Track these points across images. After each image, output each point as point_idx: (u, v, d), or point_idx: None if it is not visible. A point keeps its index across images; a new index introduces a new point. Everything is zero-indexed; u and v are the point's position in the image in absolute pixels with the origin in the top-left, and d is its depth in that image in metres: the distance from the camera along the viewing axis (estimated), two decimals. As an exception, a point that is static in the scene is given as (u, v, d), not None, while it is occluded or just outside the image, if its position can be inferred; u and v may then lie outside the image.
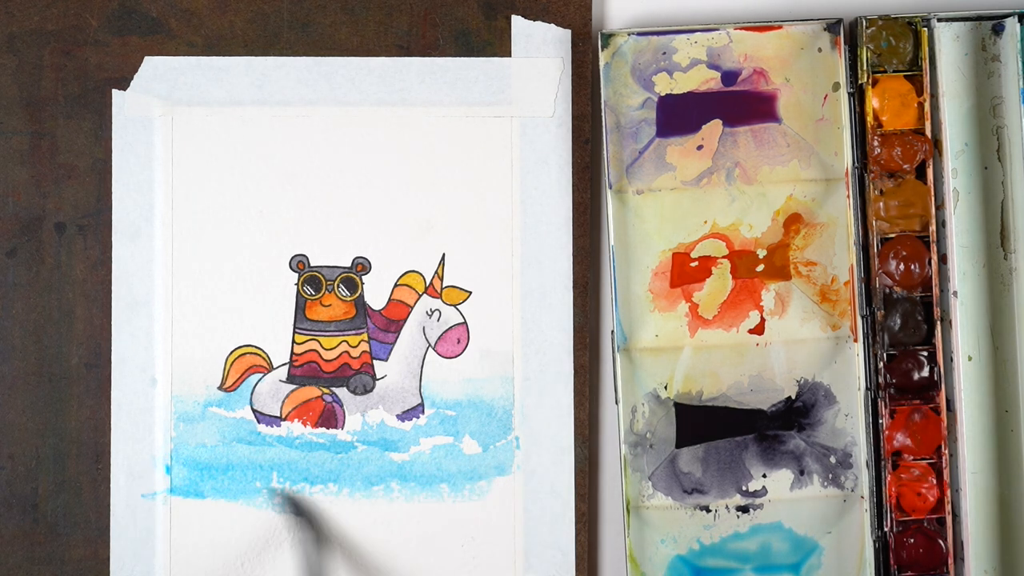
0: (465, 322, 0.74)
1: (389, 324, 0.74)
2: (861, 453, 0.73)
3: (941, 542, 0.72)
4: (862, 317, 0.72)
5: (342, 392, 0.74)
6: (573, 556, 0.74)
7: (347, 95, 0.74)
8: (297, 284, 0.74)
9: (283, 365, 0.74)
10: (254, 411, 0.74)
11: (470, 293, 0.74)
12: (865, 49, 0.71)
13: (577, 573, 0.74)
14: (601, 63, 0.72)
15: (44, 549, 0.73)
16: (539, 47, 0.74)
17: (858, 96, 0.72)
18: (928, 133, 0.71)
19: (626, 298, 0.73)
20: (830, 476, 0.73)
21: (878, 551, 0.72)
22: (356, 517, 0.74)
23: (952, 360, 0.72)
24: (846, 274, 0.73)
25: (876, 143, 0.71)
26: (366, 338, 0.74)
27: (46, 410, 0.73)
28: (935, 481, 0.71)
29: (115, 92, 0.73)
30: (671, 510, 0.73)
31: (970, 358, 0.72)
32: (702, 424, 0.73)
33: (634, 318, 0.73)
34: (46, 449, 0.73)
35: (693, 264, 0.73)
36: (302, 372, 0.74)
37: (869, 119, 0.71)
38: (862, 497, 0.73)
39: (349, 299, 0.74)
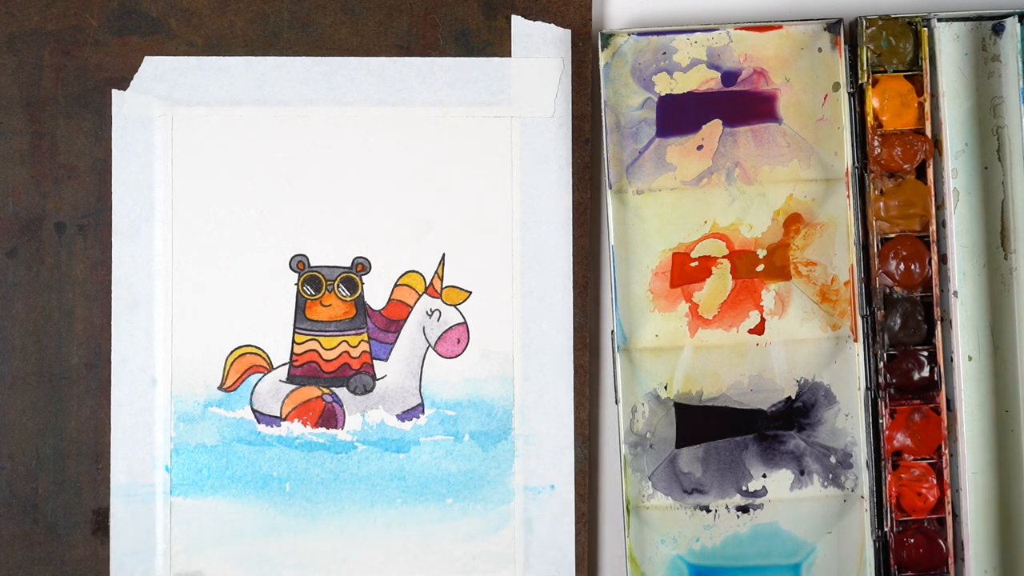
0: (465, 322, 0.74)
1: (389, 324, 0.74)
2: (861, 453, 0.73)
3: (941, 542, 0.72)
4: (862, 317, 0.72)
5: (342, 392, 0.74)
6: (573, 556, 0.74)
7: (347, 95, 0.74)
8: (297, 284, 0.74)
9: (283, 365, 0.74)
10: (254, 411, 0.74)
11: (470, 293, 0.74)
12: (865, 49, 0.71)
13: (577, 573, 0.74)
14: (601, 63, 0.72)
15: (44, 549, 0.73)
16: (539, 47, 0.74)
17: (858, 96, 0.72)
18: (928, 133, 0.71)
19: (626, 298, 0.73)
20: (830, 476, 0.73)
21: (878, 551, 0.72)
22: (356, 517, 0.74)
23: (952, 360, 0.72)
24: (846, 274, 0.73)
25: (876, 143, 0.71)
26: (366, 338, 0.74)
27: (46, 410, 0.73)
28: (935, 481, 0.71)
29: (115, 92, 0.73)
30: (671, 510, 0.73)
31: (970, 358, 0.72)
32: (702, 424, 0.73)
33: (634, 318, 0.73)
34: (46, 449, 0.73)
35: (693, 264, 0.73)
36: (302, 372, 0.74)
37: (869, 119, 0.71)
38: (862, 497, 0.73)
39: (349, 299, 0.74)
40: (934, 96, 0.72)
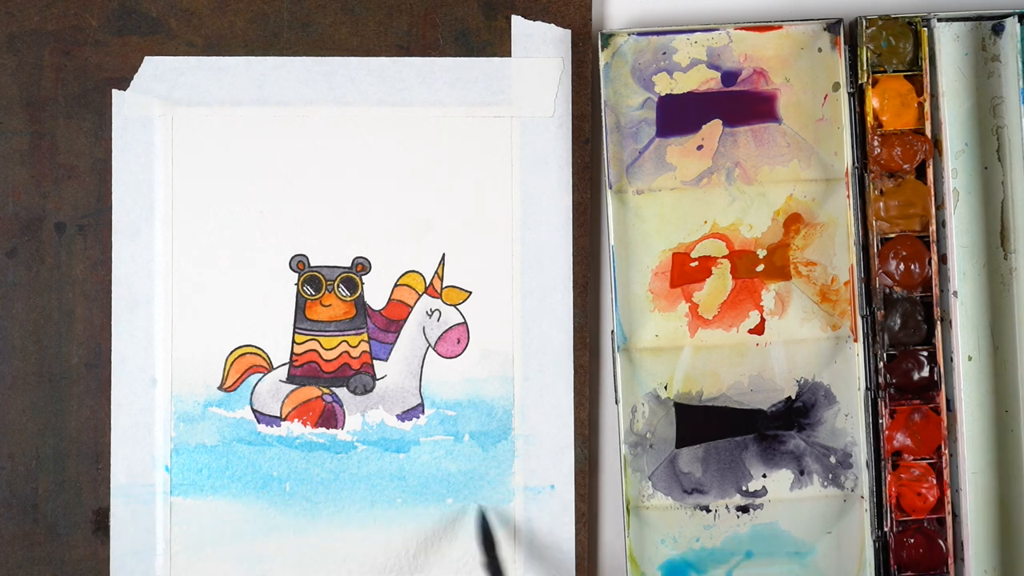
0: (465, 322, 0.74)
1: (389, 324, 0.74)
2: (861, 453, 0.73)
3: (941, 542, 0.72)
4: (862, 317, 0.72)
5: (342, 392, 0.74)
6: (573, 556, 0.74)
7: (347, 95, 0.74)
8: (297, 284, 0.74)
9: (283, 365, 0.74)
10: (254, 411, 0.74)
11: (470, 293, 0.74)
12: (865, 49, 0.71)
13: (577, 573, 0.74)
14: (601, 63, 0.72)
15: (44, 549, 0.73)
16: (539, 47, 0.74)
17: (858, 96, 0.72)
18: (928, 133, 0.71)
19: (626, 298, 0.73)
20: (830, 476, 0.73)
21: (878, 551, 0.72)
22: (356, 517, 0.74)
23: (952, 360, 0.72)
24: (846, 274, 0.73)
25: (876, 143, 0.71)
26: (366, 338, 0.74)
27: (46, 410, 0.73)
28: (935, 481, 0.71)
29: (115, 92, 0.73)
30: (671, 510, 0.73)
31: (970, 358, 0.72)
32: (702, 424, 0.73)
33: (634, 318, 0.73)
34: (46, 449, 0.73)
35: (693, 264, 0.73)
36: (302, 372, 0.74)
37: (869, 119, 0.71)
38: (862, 497, 0.73)
39: (349, 299, 0.74)
40: (934, 96, 0.72)
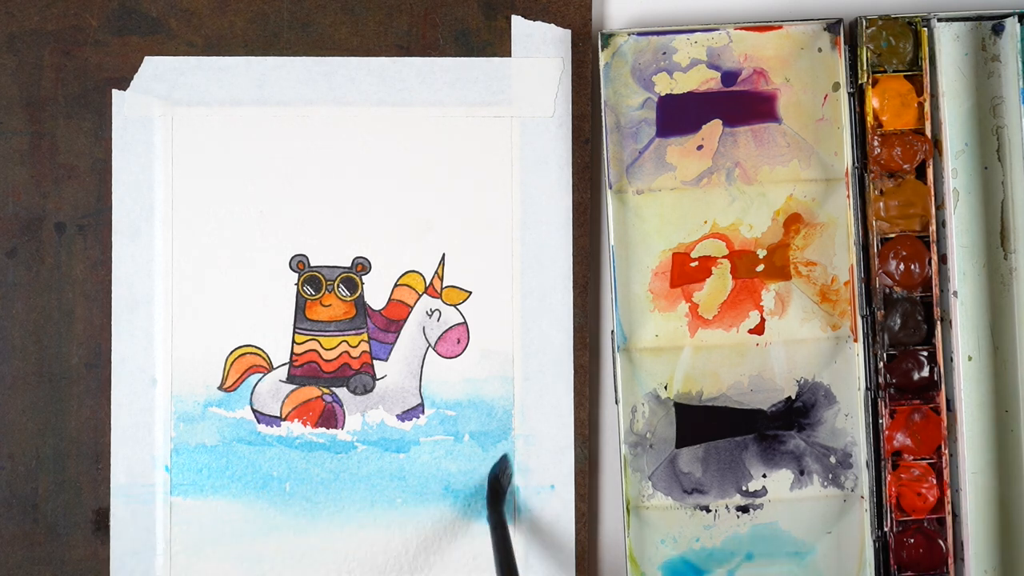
0: (465, 322, 0.74)
1: (389, 324, 0.74)
2: (861, 453, 0.73)
3: (941, 542, 0.72)
4: (862, 317, 0.72)
5: (342, 392, 0.74)
6: (573, 556, 0.74)
7: (347, 95, 0.74)
8: (297, 284, 0.74)
9: (283, 365, 0.74)
10: (254, 411, 0.74)
11: (470, 293, 0.74)
12: (865, 49, 0.71)
13: (577, 573, 0.74)
14: (601, 63, 0.72)
15: (44, 549, 0.73)
16: (539, 47, 0.74)
17: (858, 96, 0.72)
18: (928, 133, 0.71)
19: (626, 298, 0.73)
20: (830, 476, 0.73)
21: (878, 551, 0.72)
22: (356, 517, 0.74)
23: (952, 360, 0.72)
24: (846, 274, 0.73)
25: (876, 143, 0.71)
26: (366, 338, 0.74)
27: (46, 410, 0.73)
28: (935, 481, 0.71)
29: (115, 92, 0.73)
30: (671, 510, 0.73)
31: (970, 358, 0.72)
32: (702, 424, 0.73)
33: (634, 318, 0.73)
34: (46, 449, 0.73)
35: (693, 264, 0.73)
36: (302, 372, 0.74)
37: (869, 119, 0.71)
38: (862, 497, 0.73)
39: (349, 299, 0.74)
40: (934, 96, 0.72)
